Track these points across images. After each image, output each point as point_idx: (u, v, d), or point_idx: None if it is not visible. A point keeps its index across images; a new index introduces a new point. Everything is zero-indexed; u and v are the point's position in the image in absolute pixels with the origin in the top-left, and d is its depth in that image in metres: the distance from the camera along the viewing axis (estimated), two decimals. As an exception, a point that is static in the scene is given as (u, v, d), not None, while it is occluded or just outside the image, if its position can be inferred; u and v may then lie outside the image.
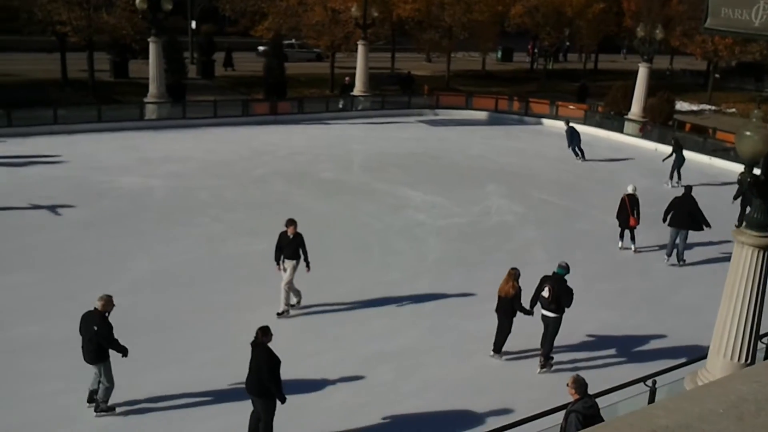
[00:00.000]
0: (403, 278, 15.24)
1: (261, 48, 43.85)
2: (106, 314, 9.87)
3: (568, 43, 56.45)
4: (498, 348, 12.10)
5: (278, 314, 12.98)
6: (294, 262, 12.95)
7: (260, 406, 9.27)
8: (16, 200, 18.74)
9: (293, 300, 13.37)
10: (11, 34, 42.86)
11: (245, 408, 9.67)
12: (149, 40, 30.41)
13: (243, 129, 29.11)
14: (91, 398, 10.19)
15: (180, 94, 32.82)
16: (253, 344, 9.25)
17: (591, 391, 8.59)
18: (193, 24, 45.75)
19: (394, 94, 38.30)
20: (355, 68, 36.82)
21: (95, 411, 10.11)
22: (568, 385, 8.52)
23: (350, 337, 12.72)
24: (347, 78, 36.50)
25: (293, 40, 44.73)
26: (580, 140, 26.36)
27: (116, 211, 18.61)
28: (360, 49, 35.99)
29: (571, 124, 26.88)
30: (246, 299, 13.79)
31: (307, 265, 13.05)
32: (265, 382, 9.07)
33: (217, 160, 24.16)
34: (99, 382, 9.98)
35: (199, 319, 12.97)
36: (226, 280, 14.70)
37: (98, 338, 9.73)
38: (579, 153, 26.39)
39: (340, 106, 34.38)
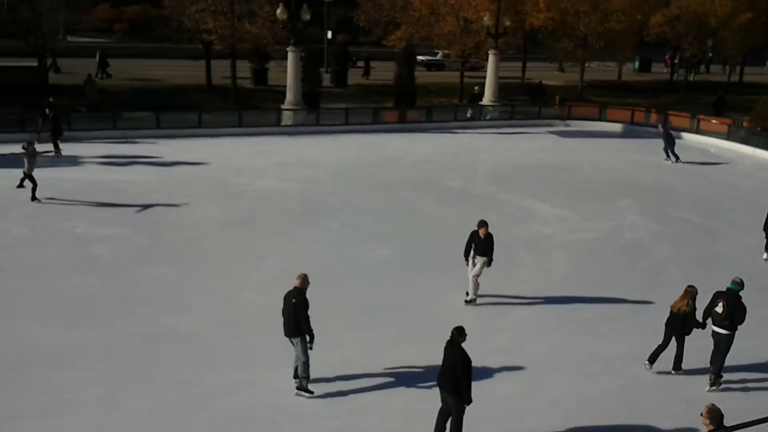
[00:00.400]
0: (528, 292, 14.99)
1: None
2: (304, 291, 10.68)
3: (710, 54, 53.56)
4: (653, 359, 11.83)
5: (466, 301, 14.17)
6: (484, 258, 13.99)
7: (452, 403, 9.52)
8: (162, 197, 20.04)
9: (471, 294, 14.18)
10: (163, 42, 46.05)
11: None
12: (288, 49, 31.68)
13: (373, 136, 29.70)
14: (296, 374, 10.92)
15: (314, 101, 33.93)
16: (449, 343, 9.56)
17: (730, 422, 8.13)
18: (329, 34, 47.11)
19: (524, 104, 37.77)
20: (485, 77, 36.71)
21: (296, 388, 10.84)
22: (702, 415, 8.10)
23: (471, 350, 12.62)
24: (477, 87, 36.39)
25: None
26: (674, 144, 27.17)
27: (252, 211, 19.50)
28: (491, 58, 35.82)
29: (667, 127, 28.14)
30: (365, 304, 14.04)
31: (489, 263, 14.02)
32: (458, 381, 9.32)
33: (347, 166, 24.79)
34: (300, 354, 10.71)
35: (324, 319, 13.31)
36: (350, 285, 15.01)
37: (294, 312, 10.51)
38: (671, 156, 27.05)
39: (469, 115, 34.32)
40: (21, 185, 19.48)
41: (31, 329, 12.30)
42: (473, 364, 9.48)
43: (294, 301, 10.56)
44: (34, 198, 18.96)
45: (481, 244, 13.96)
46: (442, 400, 9.70)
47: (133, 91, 33.94)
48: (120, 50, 47.31)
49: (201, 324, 12.89)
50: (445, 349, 9.61)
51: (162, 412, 10.29)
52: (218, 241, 17.12)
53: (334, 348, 11.93)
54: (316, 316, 13.06)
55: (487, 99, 36.03)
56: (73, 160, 23.50)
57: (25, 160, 18.98)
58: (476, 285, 14.12)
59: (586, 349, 12.74)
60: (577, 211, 20.54)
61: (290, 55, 31.80)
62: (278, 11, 31.34)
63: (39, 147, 20.29)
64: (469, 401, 9.40)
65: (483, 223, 14.05)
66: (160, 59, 45.42)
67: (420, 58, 47.51)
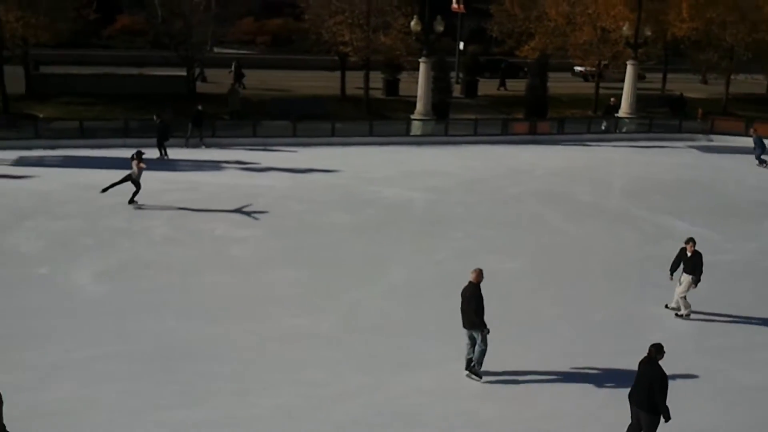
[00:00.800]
0: (662, 315, 14.35)
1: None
2: (478, 284, 11.35)
3: None
4: None
5: (677, 314, 14.24)
6: (691, 277, 13.90)
7: (646, 421, 9.47)
8: (296, 203, 20.84)
9: (683, 311, 14.15)
10: (301, 54, 47.82)
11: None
12: (420, 60, 32.05)
13: (501, 147, 29.46)
14: (468, 365, 11.58)
15: (444, 112, 34.08)
16: (645, 360, 9.54)
17: None
18: (461, 45, 47.19)
19: (663, 117, 36.17)
20: (621, 89, 35.52)
21: (468, 371, 11.55)
22: None
23: (594, 377, 12.20)
24: (612, 99, 35.26)
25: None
26: (763, 150, 27.27)
27: (380, 219, 19.87)
28: (629, 69, 34.64)
29: (758, 134, 27.79)
30: (489, 316, 13.90)
31: (696, 282, 13.91)
32: (655, 398, 9.28)
33: (474, 177, 24.74)
34: (474, 346, 11.40)
35: (439, 328, 13.34)
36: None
37: (469, 305, 11.15)
38: (763, 161, 27.31)
39: (603, 127, 33.31)
40: (106, 190, 19.60)
41: (171, 323, 13.12)
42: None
43: (468, 294, 11.28)
44: (132, 201, 19.52)
45: (688, 262, 13.94)
46: (634, 417, 9.58)
47: (273, 101, 35.45)
48: (261, 62, 49.52)
49: (327, 327, 13.28)
50: (640, 365, 9.57)
51: (287, 410, 10.65)
52: (347, 247, 17.56)
53: (457, 362, 11.91)
54: (442, 327, 13.16)
55: (623, 111, 34.82)
56: (215, 165, 24.87)
57: (134, 166, 19.42)
58: (686, 302, 14.09)
59: (726, 376, 12.02)
60: (718, 231, 19.42)
61: (422, 66, 32.17)
62: (413, 23, 31.80)
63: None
64: (668, 417, 9.32)
65: (690, 240, 14.11)
66: (298, 70, 47.14)
67: (577, 68, 46.65)
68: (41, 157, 24.62)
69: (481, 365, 11.47)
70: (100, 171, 23.16)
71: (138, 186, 19.57)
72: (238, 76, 39.39)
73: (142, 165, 19.51)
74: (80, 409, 10.39)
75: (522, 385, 11.56)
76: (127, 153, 25.25)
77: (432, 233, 18.81)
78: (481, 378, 11.49)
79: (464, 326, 11.46)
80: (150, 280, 15.00)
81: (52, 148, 25.61)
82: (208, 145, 26.91)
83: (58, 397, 10.65)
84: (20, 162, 24.02)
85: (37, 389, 10.83)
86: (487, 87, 43.45)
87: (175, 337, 12.64)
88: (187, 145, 26.66)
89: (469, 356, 11.55)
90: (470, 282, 11.41)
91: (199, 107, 27.27)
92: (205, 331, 12.85)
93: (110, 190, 19.44)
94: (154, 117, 25.94)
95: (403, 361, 12.14)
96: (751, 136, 28.25)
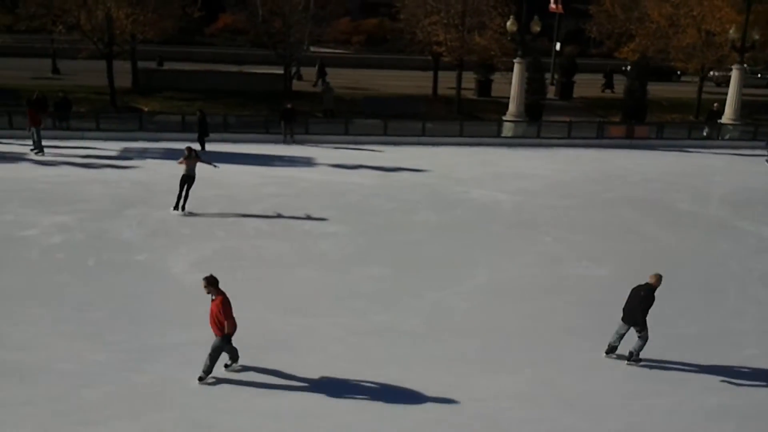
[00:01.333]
0: (759, 331, 13.70)
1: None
2: (655, 288, 11.80)
3: None
4: None
5: None
6: None
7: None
8: (384, 201, 21.06)
9: None
10: (395, 54, 48.19)
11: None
12: (514, 60, 31.74)
13: (595, 151, 28.81)
14: (611, 350, 12.31)
15: (537, 113, 33.60)
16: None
17: None
18: (557, 46, 46.37)
19: (770, 125, 34.45)
20: (726, 94, 34.05)
21: (631, 360, 12.13)
22: None
23: (689, 384, 11.82)
24: (716, 104, 33.82)
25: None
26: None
27: (467, 220, 19.82)
28: (734, 73, 33.24)
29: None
30: (572, 322, 13.67)
31: None
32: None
33: (566, 181, 24.30)
34: (620, 339, 12.13)
35: (522, 332, 13.21)
36: (559, 301, 14.72)
37: (640, 302, 11.71)
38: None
39: (705, 134, 32.03)
40: (178, 206, 19.10)
41: (262, 314, 13.52)
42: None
43: (642, 293, 11.72)
44: (178, 207, 18.96)
45: None
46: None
47: (365, 100, 35.90)
48: (355, 61, 50.28)
49: (411, 325, 13.37)
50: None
51: (367, 405, 10.81)
52: (432, 246, 17.62)
53: (539, 366, 11.77)
54: (525, 331, 13.05)
55: (727, 117, 33.40)
56: (308, 161, 25.43)
57: (185, 164, 18.93)
58: None
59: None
60: (827, 246, 18.37)
61: (516, 67, 31.85)
62: (509, 23, 31.51)
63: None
64: None
65: None
66: (392, 70, 47.58)
67: (713, 73, 43.58)
68: (144, 149, 25.83)
69: (639, 354, 12.08)
70: (200, 164, 24.08)
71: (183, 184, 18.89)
72: (321, 75, 40.07)
73: (190, 158, 18.92)
74: (171, 392, 10.87)
75: (604, 396, 11.31)
76: (225, 147, 26.39)
77: (519, 236, 18.61)
78: (639, 362, 12.11)
79: (624, 321, 11.98)
80: (242, 271, 15.50)
81: (155, 140, 26.83)
82: (298, 142, 27.51)
83: (151, 379, 11.18)
84: (124, 153, 25.29)
85: (133, 369, 11.41)
86: (584, 89, 42.52)
87: (263, 327, 13.02)
88: (285, 142, 27.36)
89: (615, 344, 12.21)
90: (648, 283, 11.86)
91: (288, 105, 27.89)
92: (293, 323, 13.19)
93: (184, 203, 19.00)
94: (197, 112, 26.73)
95: (485, 363, 12.10)
96: None
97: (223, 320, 10.92)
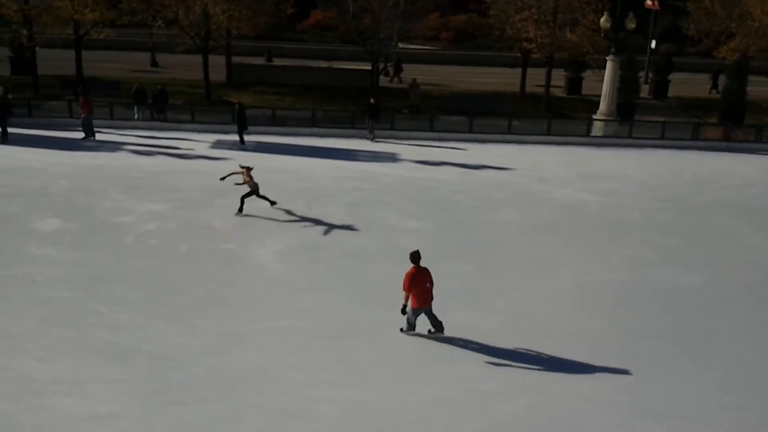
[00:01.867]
0: None
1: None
2: None
3: None
4: None
5: None
6: None
7: None
8: (467, 198, 20.97)
9: None
10: (483, 50, 47.79)
11: None
12: (607, 58, 30.94)
13: (690, 153, 27.79)
14: None
15: (629, 113, 32.66)
16: None
17: None
18: (653, 43, 44.87)
19: None
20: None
21: None
22: None
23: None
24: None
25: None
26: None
27: (551, 220, 19.51)
28: None
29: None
30: (660, 330, 13.26)
31: None
32: None
33: (657, 183, 23.55)
34: None
35: (607, 337, 12.91)
36: (646, 307, 14.31)
37: None
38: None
39: (809, 137, 30.32)
40: (269, 200, 18.87)
41: (343, 305, 13.76)
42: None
43: None
44: (242, 206, 18.47)
45: None
46: None
47: (451, 96, 35.78)
48: (443, 57, 50.12)
49: (491, 324, 13.30)
50: None
51: (446, 401, 10.83)
52: (515, 245, 17.44)
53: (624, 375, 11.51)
54: (610, 336, 12.78)
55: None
56: (392, 157, 25.59)
57: (248, 183, 18.38)
58: None
59: None
60: None
61: (609, 65, 31.05)
62: (602, 20, 30.72)
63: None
64: None
65: None
66: (480, 66, 47.19)
67: None
68: (236, 142, 26.58)
69: None
70: (288, 157, 24.71)
71: (258, 196, 18.51)
72: (397, 71, 40.06)
73: (246, 178, 18.33)
74: (254, 378, 11.22)
75: (690, 407, 10.95)
76: (314, 142, 26.90)
77: (606, 239, 18.18)
78: None
79: None
80: (325, 263, 15.80)
81: (246, 133, 27.54)
82: (378, 137, 27.63)
83: (237, 364, 11.56)
84: (217, 145, 26.12)
85: (220, 354, 11.83)
86: (679, 88, 41.03)
87: (344, 318, 13.26)
88: (370, 138, 27.59)
89: None
90: None
91: (372, 100, 28.07)
92: (373, 316, 13.35)
93: (266, 200, 18.72)
94: (235, 104, 26.98)
95: (568, 366, 11.92)
96: None
97: (403, 290, 12.06)
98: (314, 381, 11.19)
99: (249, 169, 18.38)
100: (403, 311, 12.28)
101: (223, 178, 18.62)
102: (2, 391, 10.40)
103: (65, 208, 18.52)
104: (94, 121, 26.33)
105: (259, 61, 41.68)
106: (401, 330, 12.67)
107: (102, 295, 13.72)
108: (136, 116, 28.66)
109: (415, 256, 12.33)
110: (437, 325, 12.57)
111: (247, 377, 11.20)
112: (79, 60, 33.87)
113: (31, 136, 25.86)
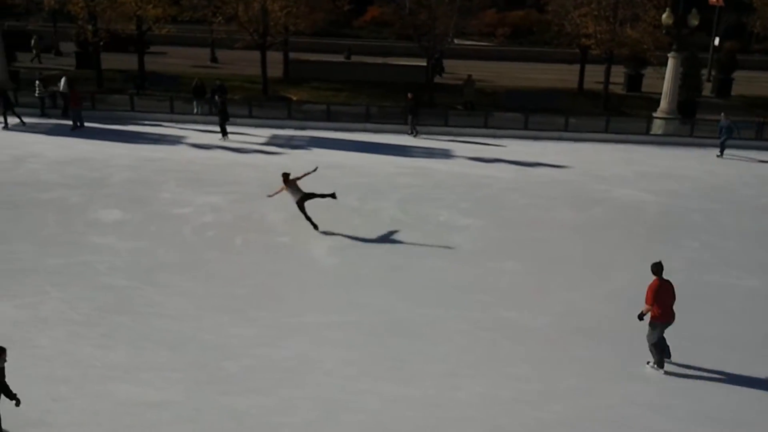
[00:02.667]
0: None
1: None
2: None
3: None
4: None
5: None
6: None
7: None
8: (520, 195, 20.79)
9: None
10: (540, 46, 47.24)
11: None
12: (669, 55, 30.23)
13: (753, 153, 26.92)
14: None
15: (690, 111, 31.84)
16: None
17: None
18: (716, 40, 43.61)
19: None
20: None
21: None
22: None
23: None
24: None
25: None
26: (727, 138, 25.64)
27: (607, 220, 19.19)
28: None
29: (728, 119, 25.90)
30: (719, 334, 12.92)
31: None
32: None
33: (717, 183, 22.93)
34: None
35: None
36: (703, 310, 13.96)
37: None
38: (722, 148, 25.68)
39: None
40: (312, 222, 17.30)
41: (392, 301, 13.83)
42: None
43: None
44: (311, 221, 17.22)
45: None
46: None
47: (507, 93, 35.47)
48: (499, 53, 49.74)
49: (540, 324, 13.19)
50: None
51: (493, 400, 10.80)
52: (569, 244, 17.22)
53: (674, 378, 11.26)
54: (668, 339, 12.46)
55: None
56: (446, 153, 25.53)
57: (289, 193, 17.22)
58: None
59: None
60: None
61: (670, 62, 30.31)
62: (664, 16, 30.00)
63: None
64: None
65: None
66: (536, 63, 46.65)
67: None
68: (291, 137, 26.93)
69: None
70: (342, 152, 24.90)
71: (301, 206, 17.06)
72: (438, 69, 39.82)
73: (290, 182, 17.08)
74: (303, 370, 11.38)
75: (743, 411, 10.67)
76: (367, 137, 27.03)
77: (663, 239, 17.78)
78: None
79: None
80: (376, 258, 15.89)
81: (301, 128, 27.90)
82: (421, 133, 27.51)
83: (288, 356, 11.75)
84: (273, 139, 26.49)
85: (271, 345, 12.04)
86: (744, 87, 39.80)
87: (394, 313, 13.32)
88: (413, 134, 27.52)
89: None
90: None
91: (409, 96, 27.95)
92: (421, 312, 13.38)
93: (322, 196, 17.55)
94: (216, 97, 27.37)
95: (617, 368, 11.75)
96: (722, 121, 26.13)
97: (646, 303, 11.39)
98: (362, 375, 11.29)
99: (286, 175, 17.07)
100: (641, 317, 11.52)
101: (271, 195, 17.47)
102: (62, 376, 10.81)
103: (126, 199, 19.07)
104: (155, 114, 27.04)
105: (316, 57, 42.06)
106: (648, 364, 11.70)
107: (159, 285, 14.10)
108: (195, 111, 29.30)
109: (658, 268, 11.48)
110: (666, 349, 11.69)
111: (297, 369, 11.37)
112: (141, 55, 34.76)
113: (94, 128, 26.69)
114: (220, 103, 26.39)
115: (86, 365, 11.20)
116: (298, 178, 17.12)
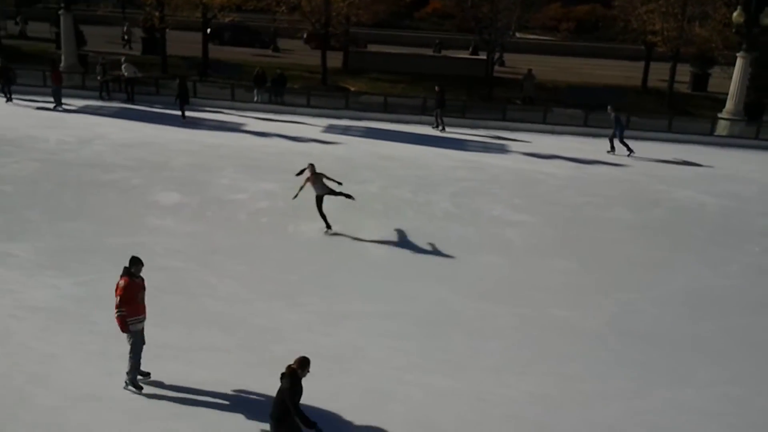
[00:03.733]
0: None
1: None
2: None
3: None
4: None
5: None
6: None
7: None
8: (576, 193, 20.46)
9: None
10: (605, 42, 46.32)
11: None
12: (738, 54, 29.28)
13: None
14: None
15: (758, 112, 30.77)
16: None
17: None
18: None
19: None
20: None
21: None
22: None
23: None
24: None
25: None
26: (623, 130, 24.63)
27: (666, 221, 18.76)
28: None
29: (615, 111, 24.78)
30: (784, 344, 12.51)
31: None
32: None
33: (785, 188, 22.17)
34: None
35: (714, 346, 12.31)
36: (763, 317, 13.53)
37: None
38: (617, 145, 24.62)
39: None
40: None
41: (442, 294, 13.80)
42: None
43: None
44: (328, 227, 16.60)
45: None
46: None
47: (567, 88, 34.91)
48: (562, 48, 48.96)
49: (593, 324, 12.98)
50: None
51: (541, 398, 10.68)
52: (624, 245, 16.88)
53: (729, 384, 10.95)
54: (718, 345, 12.21)
55: None
56: (501, 148, 25.31)
57: (313, 185, 16.39)
58: None
59: None
60: None
61: (739, 62, 29.30)
62: (735, 14, 29.04)
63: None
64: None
65: None
66: (600, 59, 45.77)
67: None
68: (348, 127, 27.08)
69: None
70: (397, 144, 24.92)
71: (320, 202, 16.39)
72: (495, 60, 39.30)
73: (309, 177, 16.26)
74: (350, 358, 11.46)
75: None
76: (423, 130, 26.97)
77: (723, 243, 17.29)
78: None
79: None
80: (427, 251, 15.87)
81: (358, 119, 28.02)
82: (446, 127, 27.21)
83: (336, 343, 11.85)
84: (330, 129, 26.67)
85: (321, 333, 12.15)
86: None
87: (444, 306, 13.30)
88: (438, 128, 27.20)
89: None
90: None
91: (436, 87, 27.63)
92: (472, 307, 13.33)
93: (341, 195, 16.65)
94: (177, 78, 27.70)
95: (670, 373, 11.49)
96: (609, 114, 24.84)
97: None
98: (409, 366, 11.30)
99: (313, 167, 16.32)
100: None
101: (295, 197, 16.33)
102: (117, 352, 11.11)
103: (185, 183, 19.49)
104: (217, 101, 27.46)
105: (376, 48, 42.14)
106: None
107: (214, 268, 14.38)
108: (255, 99, 29.71)
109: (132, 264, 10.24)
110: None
111: (344, 357, 11.46)
112: (205, 42, 35.41)
113: (157, 113, 27.35)
114: (178, 86, 26.87)
115: (141, 342, 11.50)
116: (325, 176, 16.46)
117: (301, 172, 16.61)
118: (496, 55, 37.95)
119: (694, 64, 37.90)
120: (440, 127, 27.27)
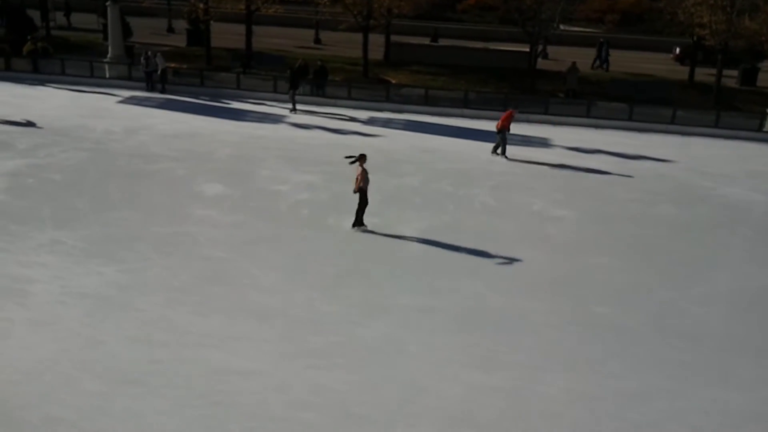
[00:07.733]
0: None
1: None
2: None
3: None
4: None
5: None
6: None
7: None
8: (619, 189, 20.15)
9: None
10: (651, 35, 45.41)
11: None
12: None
13: None
14: None
15: (810, 108, 29.89)
16: None
17: None
18: None
19: None
20: None
21: None
22: None
23: None
24: None
25: None
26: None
27: (712, 219, 18.39)
28: None
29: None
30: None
31: None
32: None
33: (838, 187, 21.51)
34: None
35: (762, 347, 12.07)
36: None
37: None
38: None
39: None
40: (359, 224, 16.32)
41: (481, 289, 13.75)
42: None
43: None
44: (359, 223, 16.26)
45: None
46: None
47: (612, 82, 34.33)
48: (607, 41, 48.06)
49: (634, 322, 12.80)
50: None
51: (579, 396, 10.60)
52: (669, 242, 16.60)
53: (762, 386, 10.73)
54: (764, 345, 11.95)
55: None
56: (543, 142, 25.03)
57: (361, 176, 16.02)
58: None
59: None
60: None
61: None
62: (784, 7, 28.25)
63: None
64: None
65: None
66: (646, 51, 44.88)
67: None
68: (389, 119, 27.07)
69: None
70: (438, 137, 24.84)
71: (365, 200, 16.10)
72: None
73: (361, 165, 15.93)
74: (388, 350, 11.51)
75: None
76: (464, 123, 26.84)
77: (771, 243, 16.90)
78: None
79: None
80: (467, 245, 15.80)
81: (399, 111, 27.99)
82: (532, 121, 26.96)
83: (374, 335, 11.91)
84: (371, 121, 26.71)
85: (358, 324, 12.22)
86: None
87: (482, 302, 13.26)
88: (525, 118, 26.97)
89: None
90: None
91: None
92: (509, 303, 13.25)
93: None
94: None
95: (713, 373, 11.29)
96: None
97: None
98: (446, 360, 11.30)
99: (364, 157, 15.97)
100: None
101: (349, 158, 16.19)
102: (160, 340, 11.36)
103: (228, 174, 19.73)
104: (259, 93, 27.75)
105: (417, 40, 41.97)
106: None
107: (255, 258, 14.55)
108: (290, 92, 29.80)
109: None
110: None
111: (381, 349, 11.51)
112: (249, 34, 35.69)
113: (202, 104, 27.71)
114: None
115: (182, 331, 11.71)
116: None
117: (355, 160, 16.01)
118: (540, 48, 37.45)
119: (743, 59, 36.84)
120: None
